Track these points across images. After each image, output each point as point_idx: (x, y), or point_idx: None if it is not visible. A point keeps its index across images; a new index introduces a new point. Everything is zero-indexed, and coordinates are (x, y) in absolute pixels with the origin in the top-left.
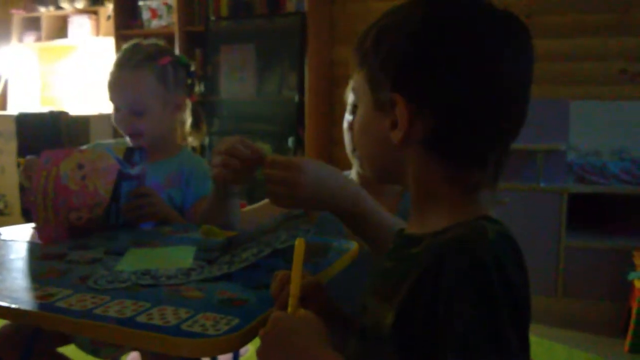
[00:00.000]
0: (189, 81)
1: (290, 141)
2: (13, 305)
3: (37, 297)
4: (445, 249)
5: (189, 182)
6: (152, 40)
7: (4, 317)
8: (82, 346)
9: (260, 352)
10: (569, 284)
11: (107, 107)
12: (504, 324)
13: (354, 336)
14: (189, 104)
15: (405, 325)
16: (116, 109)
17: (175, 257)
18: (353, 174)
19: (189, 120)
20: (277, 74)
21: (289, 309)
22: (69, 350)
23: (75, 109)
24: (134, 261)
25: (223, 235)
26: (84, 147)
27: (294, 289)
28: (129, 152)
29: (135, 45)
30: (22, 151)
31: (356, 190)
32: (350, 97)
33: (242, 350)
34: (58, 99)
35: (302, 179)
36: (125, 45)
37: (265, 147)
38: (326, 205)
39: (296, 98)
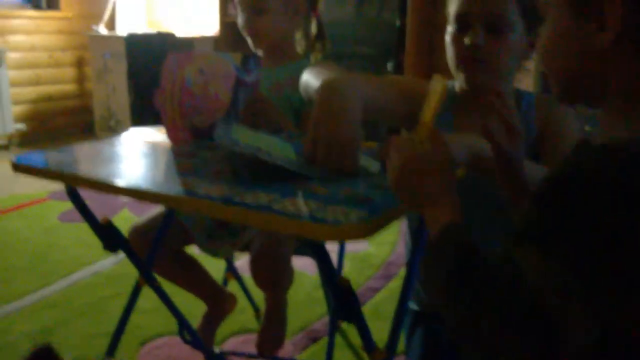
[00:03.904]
0: None
1: (389, 66)
2: (160, 191)
3: (180, 185)
4: (583, 151)
5: None
6: None
7: (153, 201)
8: (201, 246)
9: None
10: None
11: (209, 29)
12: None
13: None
14: (313, 18)
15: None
16: (242, 11)
17: (280, 147)
18: (457, 87)
19: (313, 33)
20: None
21: (419, 139)
22: (189, 250)
23: (179, 31)
24: (245, 136)
25: None
26: None
27: (427, 123)
28: (245, 59)
29: None
30: (131, 71)
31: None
32: (452, 7)
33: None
34: (162, 20)
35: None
36: None
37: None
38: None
39: (397, 21)
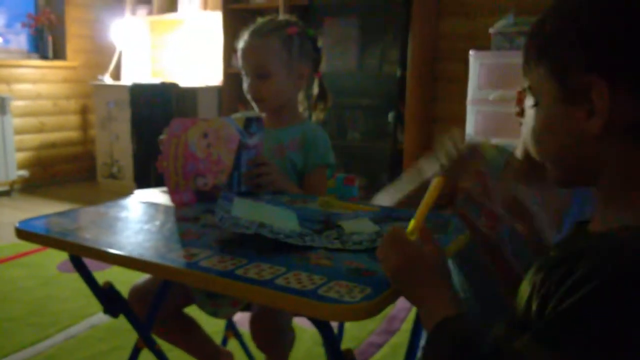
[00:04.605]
0: (315, 56)
1: (390, 116)
2: (165, 263)
3: (182, 257)
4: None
5: (310, 149)
6: (285, 16)
7: (153, 274)
8: (202, 306)
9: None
10: None
11: (212, 79)
12: None
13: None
14: (315, 79)
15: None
16: (245, 75)
17: (282, 218)
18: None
19: (315, 93)
20: (379, 48)
21: (410, 236)
22: (189, 310)
23: (183, 81)
24: (247, 211)
25: (341, 208)
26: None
27: (420, 218)
28: (248, 122)
29: (268, 18)
30: (135, 120)
31: None
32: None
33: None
34: (166, 70)
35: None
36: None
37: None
38: None
39: (398, 73)
